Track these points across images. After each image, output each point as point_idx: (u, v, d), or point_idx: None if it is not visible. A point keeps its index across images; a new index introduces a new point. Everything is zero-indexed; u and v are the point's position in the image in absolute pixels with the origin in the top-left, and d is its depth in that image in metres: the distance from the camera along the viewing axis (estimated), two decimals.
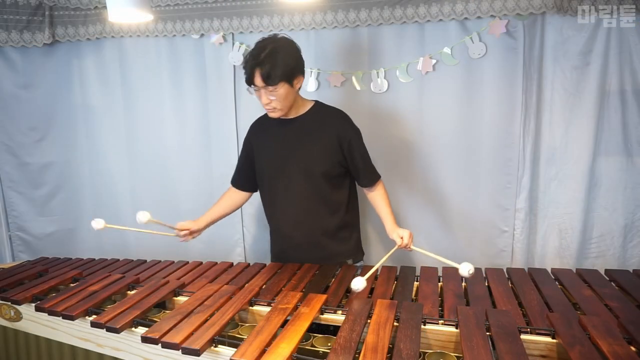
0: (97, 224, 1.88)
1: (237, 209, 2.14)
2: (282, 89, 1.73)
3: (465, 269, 1.51)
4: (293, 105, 1.85)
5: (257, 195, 2.57)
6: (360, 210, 2.08)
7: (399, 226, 1.82)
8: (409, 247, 1.78)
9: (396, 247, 1.77)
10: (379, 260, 1.71)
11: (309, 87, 2.37)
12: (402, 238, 1.76)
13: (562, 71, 2.15)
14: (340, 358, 1.15)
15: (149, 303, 1.56)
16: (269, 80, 1.69)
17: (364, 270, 1.71)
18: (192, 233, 1.99)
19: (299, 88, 1.82)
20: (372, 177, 1.93)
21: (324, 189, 1.89)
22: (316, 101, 1.93)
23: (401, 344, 1.20)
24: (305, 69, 1.82)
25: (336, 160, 1.87)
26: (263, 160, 1.96)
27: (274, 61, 1.68)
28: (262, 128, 1.98)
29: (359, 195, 2.06)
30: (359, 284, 1.48)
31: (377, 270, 1.67)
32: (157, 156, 2.66)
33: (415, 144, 2.35)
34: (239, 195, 2.09)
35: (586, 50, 2.10)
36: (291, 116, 1.88)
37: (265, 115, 1.95)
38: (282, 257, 2.01)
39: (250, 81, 1.74)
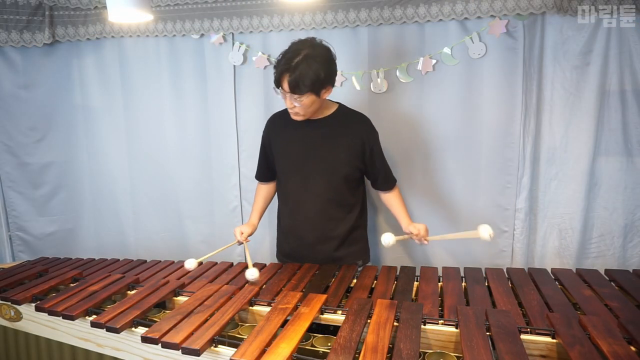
0: (190, 264, 1.87)
1: (273, 197, 2.16)
2: (307, 98, 1.72)
3: (486, 232, 1.58)
4: (318, 110, 1.85)
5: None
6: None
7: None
8: (425, 240, 1.83)
9: (411, 234, 1.85)
10: (384, 262, 1.72)
11: None
12: (418, 229, 1.82)
13: (562, 71, 2.15)
14: (340, 358, 1.15)
15: (149, 303, 1.56)
16: (296, 90, 1.68)
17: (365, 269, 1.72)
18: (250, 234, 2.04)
19: (325, 97, 1.81)
20: (391, 181, 1.99)
21: (342, 192, 1.90)
22: (340, 104, 1.94)
23: (401, 344, 1.20)
24: (335, 78, 1.82)
25: (357, 164, 1.89)
26: (281, 157, 1.95)
27: (305, 70, 1.66)
28: (282, 124, 1.96)
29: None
30: (388, 239, 1.69)
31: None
32: (157, 156, 2.66)
33: (415, 144, 2.35)
34: (267, 186, 2.11)
35: (586, 50, 2.10)
36: (315, 117, 1.87)
37: (285, 111, 1.95)
38: (293, 257, 2.00)
39: (278, 84, 1.73)
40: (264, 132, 2.03)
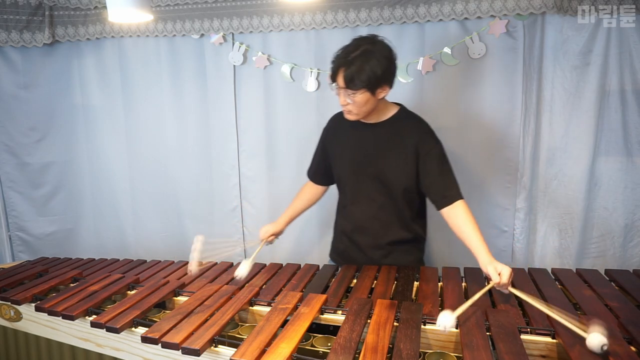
0: (242, 271, 1.73)
1: (315, 202, 2.07)
2: (361, 95, 1.64)
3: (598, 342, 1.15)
4: (374, 111, 1.75)
5: (255, 195, 2.59)
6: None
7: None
8: (506, 288, 1.48)
9: (491, 284, 1.50)
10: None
11: (309, 87, 2.37)
12: (500, 275, 1.46)
13: (562, 71, 2.15)
14: (340, 358, 1.15)
15: (149, 303, 1.56)
16: (351, 84, 1.62)
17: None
18: (277, 235, 1.98)
19: (382, 97, 1.71)
20: (449, 195, 1.70)
21: (395, 199, 1.81)
22: (401, 107, 1.84)
23: (401, 344, 1.20)
24: (394, 79, 1.71)
25: (411, 172, 1.77)
26: (337, 159, 1.90)
27: (362, 65, 1.60)
28: (340, 126, 1.90)
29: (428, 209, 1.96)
30: (445, 321, 1.28)
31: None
32: (157, 156, 2.66)
33: None
34: (315, 189, 2.04)
35: (586, 50, 2.10)
36: (372, 121, 1.80)
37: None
38: (346, 257, 1.96)
39: (333, 78, 1.67)
40: (324, 131, 1.97)
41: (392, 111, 1.81)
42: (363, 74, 1.60)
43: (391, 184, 1.79)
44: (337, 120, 1.93)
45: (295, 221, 2.08)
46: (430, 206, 2.35)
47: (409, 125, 1.79)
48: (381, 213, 1.84)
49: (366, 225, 1.87)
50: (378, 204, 1.83)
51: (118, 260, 2.18)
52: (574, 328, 1.22)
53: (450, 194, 1.71)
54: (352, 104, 1.67)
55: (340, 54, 1.67)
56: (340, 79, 1.64)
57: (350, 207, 1.90)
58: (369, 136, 1.80)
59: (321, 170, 2.00)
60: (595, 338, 1.15)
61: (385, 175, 1.79)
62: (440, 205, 1.73)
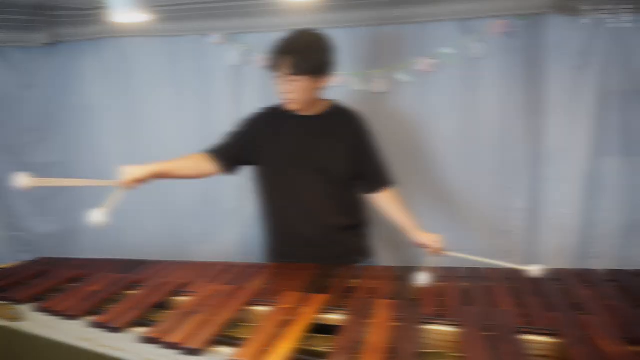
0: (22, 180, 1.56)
1: (194, 177, 1.90)
2: (304, 82, 1.69)
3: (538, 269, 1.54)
4: (312, 103, 1.81)
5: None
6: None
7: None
8: (442, 251, 1.69)
9: (430, 251, 1.68)
10: (384, 261, 1.70)
11: None
12: (435, 241, 1.68)
13: (562, 71, 2.15)
14: (340, 358, 1.15)
15: (149, 303, 1.56)
16: (295, 70, 1.65)
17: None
18: (140, 182, 1.76)
19: (322, 88, 1.78)
20: (383, 181, 1.89)
21: (337, 188, 1.87)
22: (333, 100, 1.91)
23: (401, 344, 1.20)
24: (333, 71, 1.77)
25: (351, 161, 1.85)
26: (268, 154, 1.88)
27: (309, 53, 1.65)
28: (273, 120, 1.91)
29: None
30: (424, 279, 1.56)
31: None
32: (157, 156, 2.63)
33: (415, 144, 2.35)
34: (207, 165, 1.86)
35: (586, 50, 2.10)
36: (309, 113, 1.85)
37: (277, 107, 1.92)
38: (289, 256, 1.95)
39: (276, 67, 1.69)
40: (252, 120, 1.91)
41: (327, 104, 1.88)
42: (310, 61, 1.65)
43: (333, 174, 1.84)
44: (269, 115, 1.93)
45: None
46: (429, 214, 2.36)
47: (347, 116, 1.88)
48: (325, 202, 1.87)
49: (312, 216, 1.88)
50: (321, 194, 1.86)
51: (118, 260, 2.18)
52: (513, 266, 1.58)
53: (383, 181, 1.89)
54: (296, 92, 1.71)
55: (283, 43, 1.69)
56: (286, 66, 1.66)
57: (291, 202, 1.89)
58: (307, 129, 1.84)
59: (232, 154, 1.87)
60: (537, 267, 1.55)
61: (327, 165, 1.83)
62: (375, 189, 1.89)
